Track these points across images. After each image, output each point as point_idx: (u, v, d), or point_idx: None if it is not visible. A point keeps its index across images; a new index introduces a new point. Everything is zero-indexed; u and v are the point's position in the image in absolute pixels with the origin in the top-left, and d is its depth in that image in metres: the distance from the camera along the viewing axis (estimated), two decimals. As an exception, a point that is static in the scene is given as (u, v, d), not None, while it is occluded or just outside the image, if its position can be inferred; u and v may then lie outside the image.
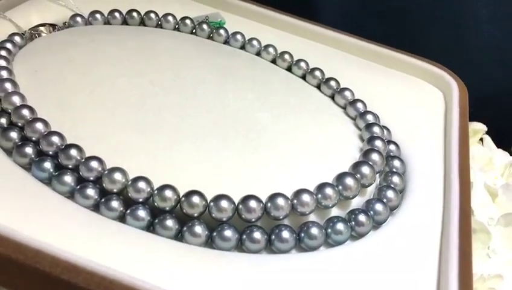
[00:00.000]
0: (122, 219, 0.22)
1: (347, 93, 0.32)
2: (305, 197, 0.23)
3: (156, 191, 0.22)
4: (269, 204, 0.23)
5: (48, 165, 0.23)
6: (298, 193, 0.23)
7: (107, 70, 0.28)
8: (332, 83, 0.32)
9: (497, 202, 0.32)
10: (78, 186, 0.22)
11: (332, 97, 0.32)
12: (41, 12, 0.33)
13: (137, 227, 0.22)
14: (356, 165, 0.25)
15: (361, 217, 0.24)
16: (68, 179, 0.22)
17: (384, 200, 0.26)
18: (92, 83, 0.27)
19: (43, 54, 0.29)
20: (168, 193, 0.22)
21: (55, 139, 0.23)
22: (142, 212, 0.22)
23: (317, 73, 0.33)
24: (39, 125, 0.23)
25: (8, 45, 0.29)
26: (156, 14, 0.34)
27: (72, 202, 0.22)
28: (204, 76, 0.29)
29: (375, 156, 0.26)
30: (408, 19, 0.43)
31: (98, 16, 0.33)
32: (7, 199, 0.21)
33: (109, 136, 0.24)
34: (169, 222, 0.22)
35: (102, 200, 0.22)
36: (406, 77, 0.36)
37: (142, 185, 0.22)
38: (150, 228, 0.22)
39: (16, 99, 0.24)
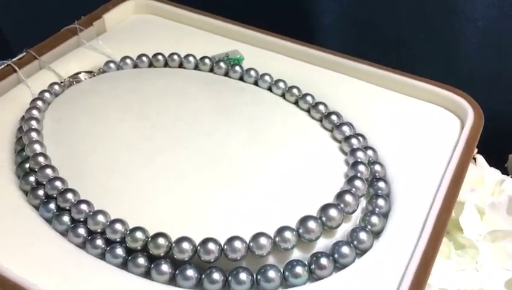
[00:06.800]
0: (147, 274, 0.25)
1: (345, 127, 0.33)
2: (287, 234, 0.25)
3: (150, 239, 0.25)
4: (252, 243, 0.25)
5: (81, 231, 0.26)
6: (280, 230, 0.26)
7: (117, 116, 0.32)
8: (333, 117, 0.33)
9: (484, 220, 0.33)
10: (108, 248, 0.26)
11: (331, 131, 0.33)
12: (80, 62, 0.38)
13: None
14: (339, 195, 0.28)
15: (345, 249, 0.26)
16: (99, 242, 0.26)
17: (369, 227, 0.27)
18: (101, 131, 0.31)
19: (69, 102, 0.34)
20: (161, 241, 0.25)
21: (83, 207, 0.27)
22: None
23: (321, 107, 0.34)
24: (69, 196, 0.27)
25: (46, 95, 0.34)
26: (179, 56, 0.38)
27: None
28: (204, 116, 0.32)
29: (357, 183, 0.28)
30: (402, 50, 0.45)
31: (128, 60, 0.38)
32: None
33: (102, 180, 0.28)
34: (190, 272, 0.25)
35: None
36: (420, 103, 0.36)
37: (161, 241, 0.25)
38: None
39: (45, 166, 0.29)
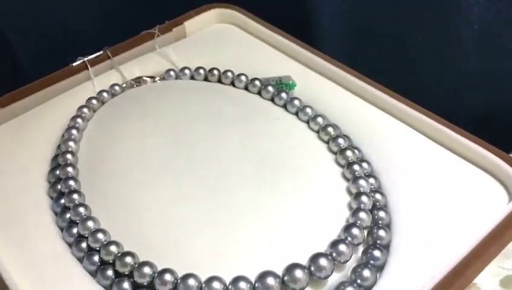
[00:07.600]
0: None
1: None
2: (298, 273, 0.25)
3: (156, 275, 0.25)
4: (258, 284, 0.25)
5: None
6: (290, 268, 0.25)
7: (146, 129, 0.34)
8: (364, 165, 0.31)
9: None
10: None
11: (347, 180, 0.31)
12: (149, 66, 0.40)
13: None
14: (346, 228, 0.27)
15: None
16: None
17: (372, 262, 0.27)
18: (125, 142, 0.33)
19: (116, 106, 0.36)
20: (168, 277, 0.25)
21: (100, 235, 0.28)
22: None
23: (349, 153, 0.31)
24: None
25: (104, 94, 0.37)
26: (232, 73, 0.38)
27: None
28: (223, 144, 0.32)
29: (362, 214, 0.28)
30: (399, 53, 0.45)
31: (186, 71, 0.39)
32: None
33: (105, 193, 0.30)
34: None
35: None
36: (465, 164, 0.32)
37: (168, 277, 0.25)
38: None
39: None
